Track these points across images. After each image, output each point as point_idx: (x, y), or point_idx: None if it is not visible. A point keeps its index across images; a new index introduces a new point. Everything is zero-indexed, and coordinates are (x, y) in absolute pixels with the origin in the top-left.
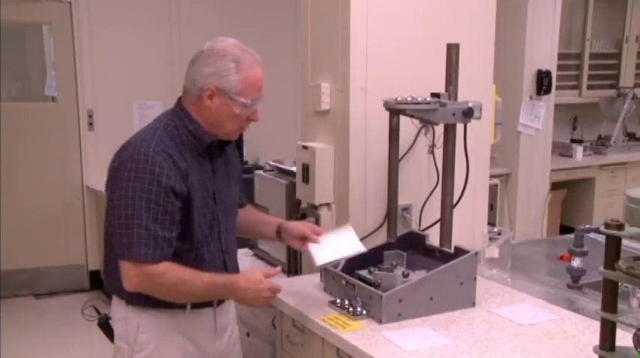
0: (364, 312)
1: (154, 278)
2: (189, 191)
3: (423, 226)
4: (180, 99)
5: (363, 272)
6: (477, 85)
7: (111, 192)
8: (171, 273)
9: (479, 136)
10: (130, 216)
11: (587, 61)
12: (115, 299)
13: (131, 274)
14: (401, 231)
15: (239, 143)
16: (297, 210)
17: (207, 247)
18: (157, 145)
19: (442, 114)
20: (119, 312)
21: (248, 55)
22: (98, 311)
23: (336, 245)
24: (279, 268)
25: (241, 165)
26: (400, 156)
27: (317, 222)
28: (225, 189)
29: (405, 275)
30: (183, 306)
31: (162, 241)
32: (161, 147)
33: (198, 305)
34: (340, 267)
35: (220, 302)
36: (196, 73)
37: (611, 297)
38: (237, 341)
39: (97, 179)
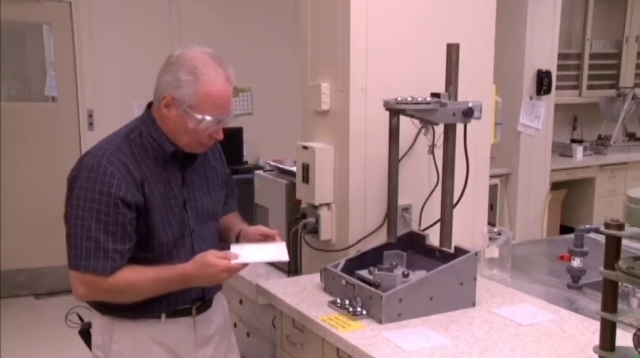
0: (364, 312)
1: (99, 286)
2: (146, 201)
3: (423, 226)
4: (149, 104)
5: (363, 272)
6: (477, 85)
7: (66, 200)
8: (115, 279)
9: (479, 136)
10: (80, 227)
11: (587, 61)
12: (92, 308)
13: (77, 283)
14: (401, 231)
15: (237, 144)
16: (297, 210)
17: (175, 258)
18: (112, 154)
19: (442, 114)
20: (95, 321)
21: (212, 70)
22: (81, 319)
23: (263, 250)
24: (235, 255)
25: (229, 169)
26: (400, 156)
27: (317, 222)
28: (202, 197)
29: (405, 275)
30: (157, 316)
31: (112, 253)
32: (116, 156)
33: (173, 314)
34: (340, 267)
35: (201, 311)
36: (159, 79)
37: (611, 297)
38: (229, 351)
39: None
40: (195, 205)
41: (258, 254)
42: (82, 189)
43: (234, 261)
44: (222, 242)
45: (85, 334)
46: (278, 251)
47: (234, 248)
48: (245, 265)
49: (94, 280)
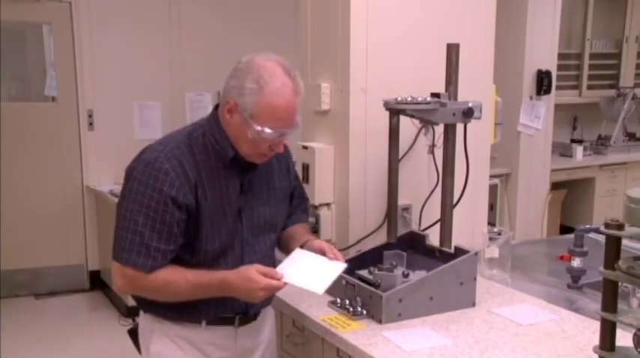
0: (364, 312)
1: (138, 282)
2: (198, 204)
3: (423, 226)
4: (216, 106)
5: (363, 273)
6: (477, 85)
7: (121, 190)
8: (155, 276)
9: (479, 136)
10: (128, 219)
11: (587, 61)
12: (137, 304)
13: (117, 275)
14: (401, 231)
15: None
16: None
17: (221, 267)
18: (170, 151)
19: (442, 114)
20: (141, 320)
21: (279, 81)
22: (134, 319)
23: (311, 271)
24: (280, 275)
25: (295, 181)
26: (400, 156)
27: (317, 222)
28: (260, 207)
29: (405, 275)
30: (197, 321)
31: (155, 251)
32: (174, 154)
33: (215, 322)
34: None
35: (244, 322)
36: (226, 82)
37: (611, 297)
38: None
39: (97, 179)
40: (251, 214)
41: (303, 276)
42: (135, 182)
43: (276, 281)
44: (283, 252)
45: (133, 333)
46: (325, 276)
47: (284, 265)
48: (275, 290)
49: (133, 275)
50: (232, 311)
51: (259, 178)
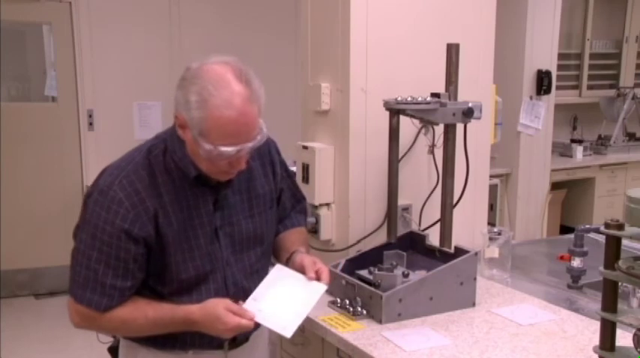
0: (364, 312)
1: (93, 321)
2: (160, 234)
3: (423, 226)
4: None
5: (363, 273)
6: (476, 85)
7: (79, 218)
8: (110, 316)
9: (479, 136)
10: (81, 253)
11: (587, 61)
12: None
13: (72, 311)
14: (401, 231)
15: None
16: None
17: (203, 295)
18: (126, 176)
19: (442, 114)
20: (122, 341)
21: (227, 90)
22: (114, 335)
23: (288, 299)
24: (251, 315)
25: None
26: (400, 156)
27: (317, 222)
28: (242, 221)
29: (405, 276)
30: (183, 348)
31: (110, 289)
32: (130, 180)
33: (202, 347)
34: (340, 267)
35: (234, 345)
36: (175, 94)
37: (611, 297)
38: None
39: None
40: (230, 232)
41: (276, 309)
42: (88, 213)
43: (246, 321)
44: (277, 260)
45: (114, 351)
46: (301, 305)
47: (259, 292)
48: (243, 330)
49: (88, 313)
50: (218, 340)
51: (238, 189)
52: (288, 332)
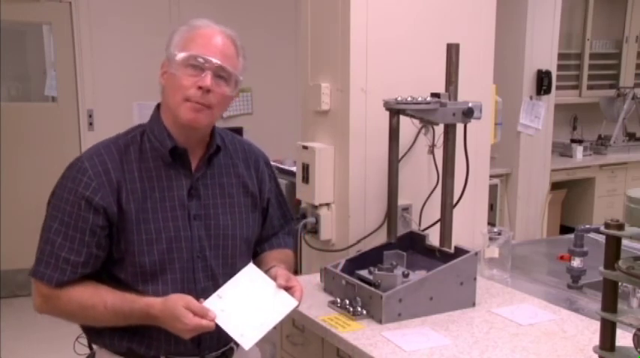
0: (364, 312)
1: (51, 301)
2: (122, 208)
3: (423, 226)
4: (158, 105)
5: (363, 273)
6: (476, 85)
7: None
8: (69, 297)
9: (479, 136)
10: (44, 228)
11: (587, 61)
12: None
13: (35, 292)
14: (401, 231)
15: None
16: (297, 210)
17: (165, 285)
18: (96, 151)
19: (442, 114)
20: (96, 353)
21: (207, 22)
22: (90, 347)
23: (254, 305)
24: (212, 316)
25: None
26: (400, 156)
27: (317, 222)
28: (220, 215)
29: (405, 275)
30: (156, 356)
31: (64, 263)
32: (98, 153)
33: (176, 355)
34: (340, 267)
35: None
36: None
37: (611, 297)
38: None
39: None
40: (207, 224)
41: (239, 313)
42: (56, 186)
43: (207, 321)
44: None
45: None
46: (266, 316)
47: (225, 290)
48: (203, 330)
49: (46, 292)
50: (194, 346)
51: (215, 182)
52: (247, 343)
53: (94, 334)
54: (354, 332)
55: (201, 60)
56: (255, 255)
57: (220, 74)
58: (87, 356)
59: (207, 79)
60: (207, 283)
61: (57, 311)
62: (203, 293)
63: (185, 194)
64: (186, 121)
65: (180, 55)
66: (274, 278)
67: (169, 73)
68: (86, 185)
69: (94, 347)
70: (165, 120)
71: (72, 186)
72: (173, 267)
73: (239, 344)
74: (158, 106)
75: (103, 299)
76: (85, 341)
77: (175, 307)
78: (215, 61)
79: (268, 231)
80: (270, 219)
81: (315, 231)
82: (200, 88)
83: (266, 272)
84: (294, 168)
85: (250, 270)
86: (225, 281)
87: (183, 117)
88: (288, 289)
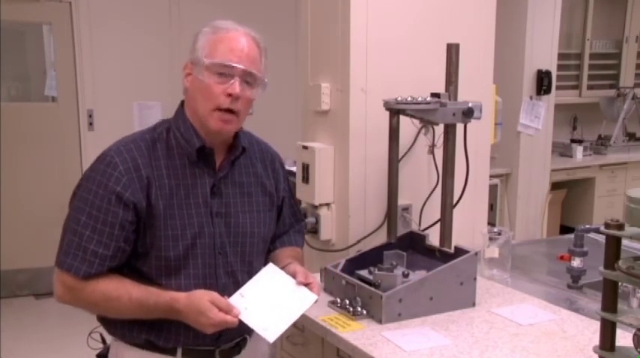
0: (364, 312)
1: (75, 291)
2: (151, 203)
3: (423, 226)
4: (182, 102)
5: (363, 273)
6: (476, 85)
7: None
8: (93, 287)
9: (479, 136)
10: (71, 219)
11: (587, 61)
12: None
13: (57, 281)
14: (401, 231)
15: None
16: None
17: (187, 279)
18: (125, 145)
19: (442, 114)
20: (112, 345)
21: (232, 25)
22: (104, 341)
23: (276, 301)
24: (237, 312)
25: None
26: (400, 156)
27: (317, 222)
28: (240, 213)
29: (405, 275)
30: (172, 351)
31: (91, 256)
32: (128, 148)
33: (191, 352)
34: (340, 267)
35: (226, 355)
36: None
37: (611, 297)
38: None
39: None
40: (227, 221)
41: (262, 309)
42: (84, 179)
43: (231, 317)
44: None
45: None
46: (288, 311)
47: (247, 288)
48: (227, 325)
49: (71, 283)
50: (211, 340)
51: (236, 181)
52: (270, 336)
53: (112, 325)
54: (354, 332)
55: (228, 67)
56: (267, 252)
57: (247, 80)
58: (100, 350)
59: (236, 87)
60: (227, 280)
61: (79, 301)
62: (224, 289)
63: (208, 192)
64: (216, 130)
65: (208, 62)
66: (292, 275)
67: (195, 77)
68: (117, 180)
69: (110, 338)
70: (191, 118)
71: (102, 179)
72: (196, 263)
73: (263, 337)
74: (182, 103)
75: (128, 292)
76: (98, 336)
77: (200, 301)
78: (242, 67)
79: (280, 229)
80: (283, 218)
81: (315, 231)
82: (230, 95)
83: (283, 268)
84: (294, 168)
85: (270, 269)
86: (243, 278)
87: (213, 127)
88: (306, 285)
